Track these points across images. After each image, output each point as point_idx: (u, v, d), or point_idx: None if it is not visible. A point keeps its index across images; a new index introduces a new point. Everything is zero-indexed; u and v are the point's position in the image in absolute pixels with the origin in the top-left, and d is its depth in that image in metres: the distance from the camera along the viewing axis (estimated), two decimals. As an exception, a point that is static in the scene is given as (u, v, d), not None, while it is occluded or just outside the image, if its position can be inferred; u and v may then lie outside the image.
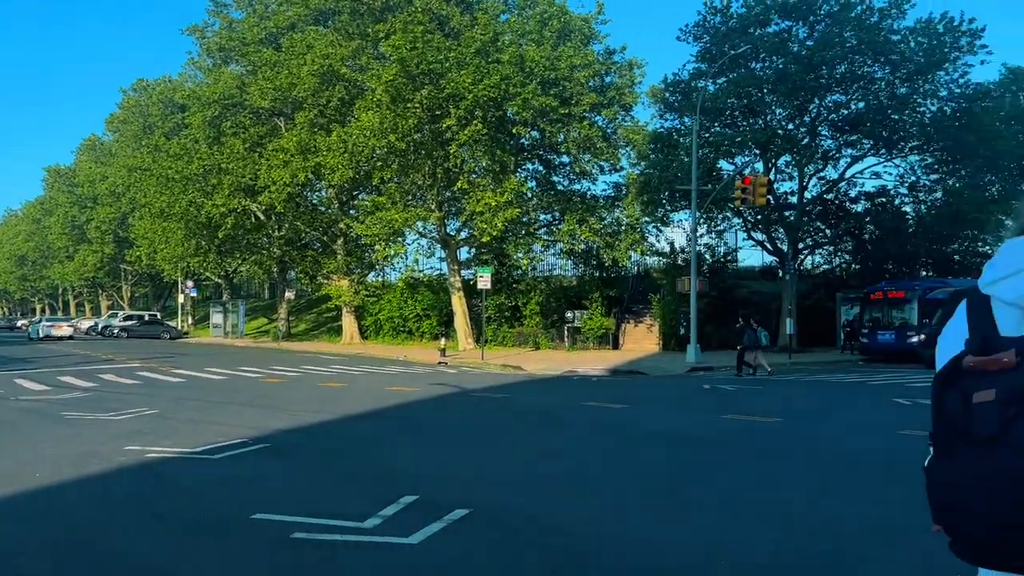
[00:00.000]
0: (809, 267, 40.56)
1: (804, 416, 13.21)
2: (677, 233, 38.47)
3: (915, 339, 25.76)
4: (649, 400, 16.11)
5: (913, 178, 36.15)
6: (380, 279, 47.80)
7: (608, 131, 34.95)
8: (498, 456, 9.37)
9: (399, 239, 36.48)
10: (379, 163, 33.69)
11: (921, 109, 32.62)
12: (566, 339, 35.50)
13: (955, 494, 1.72)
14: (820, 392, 17.77)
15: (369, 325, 43.03)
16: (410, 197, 35.84)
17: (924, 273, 36.97)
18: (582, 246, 36.54)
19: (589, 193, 37.19)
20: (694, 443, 10.30)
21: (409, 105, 30.83)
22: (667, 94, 35.40)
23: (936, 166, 35.39)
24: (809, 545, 5.61)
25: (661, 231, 37.51)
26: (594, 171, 36.32)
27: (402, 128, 31.03)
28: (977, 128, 31.62)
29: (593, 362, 26.66)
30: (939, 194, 35.97)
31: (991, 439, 1.66)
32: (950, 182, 35.30)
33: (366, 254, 42.82)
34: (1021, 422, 1.63)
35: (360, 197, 42.21)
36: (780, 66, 32.03)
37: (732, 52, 31.00)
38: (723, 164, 34.16)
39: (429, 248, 39.26)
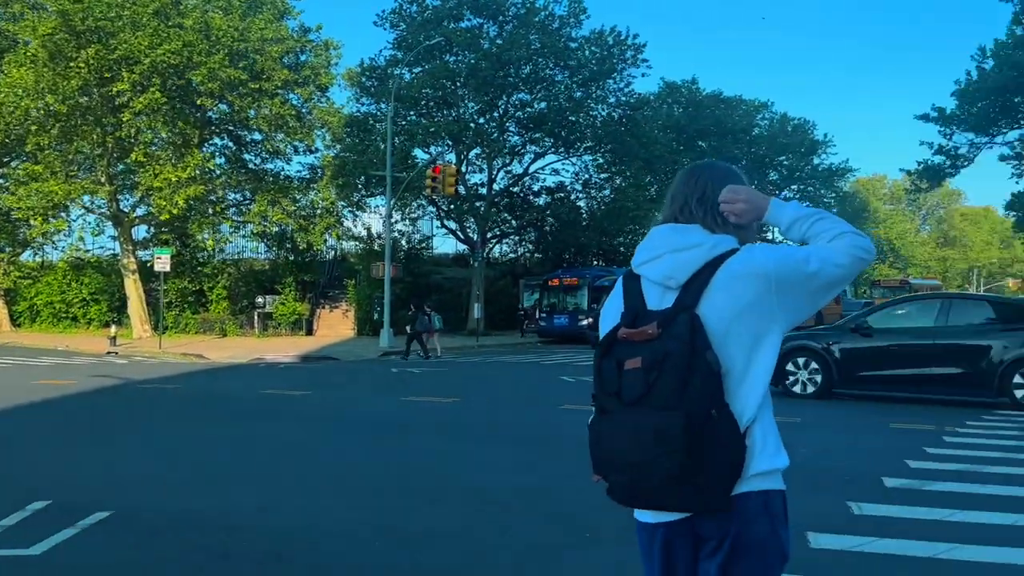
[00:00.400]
0: (497, 255, 42.87)
1: (480, 396, 13.87)
2: (374, 218, 38.49)
3: (584, 322, 28.30)
4: (334, 385, 15.93)
5: (587, 176, 39.67)
6: (38, 259, 42.10)
7: (303, 111, 33.97)
8: (153, 452, 8.63)
9: (61, 214, 32.35)
10: (35, 127, 29.56)
11: (594, 113, 35.80)
12: (256, 325, 34.02)
13: (608, 447, 1.97)
14: (499, 372, 18.81)
15: (23, 311, 37.73)
16: (75, 167, 31.90)
17: (595, 263, 40.73)
18: (275, 228, 35.16)
19: (283, 173, 35.88)
20: (371, 426, 10.33)
21: (72, 64, 27.40)
22: (363, 78, 35.26)
23: (606, 166, 39.13)
24: (463, 516, 5.82)
25: (357, 216, 37.42)
26: (288, 151, 35.14)
27: (63, 89, 27.49)
28: (639, 134, 35.48)
29: (284, 349, 25.84)
30: (608, 192, 39.85)
31: (637, 400, 1.91)
32: (617, 181, 39.24)
33: (19, 230, 37.35)
34: (660, 385, 1.89)
35: (12, 164, 36.76)
36: (472, 61, 33.26)
37: (427, 43, 31.61)
38: (418, 152, 34.87)
39: (98, 225, 35.26)
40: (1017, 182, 36.10)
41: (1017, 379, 11.79)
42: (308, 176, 36.21)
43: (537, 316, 32.47)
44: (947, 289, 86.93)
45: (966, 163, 35.88)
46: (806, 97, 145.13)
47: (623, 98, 36.06)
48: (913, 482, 6.87)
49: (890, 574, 4.54)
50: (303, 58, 33.48)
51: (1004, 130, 35.16)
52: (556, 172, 38.98)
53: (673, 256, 2.05)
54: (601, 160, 38.74)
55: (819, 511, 5.91)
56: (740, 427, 1.93)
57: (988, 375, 11.89)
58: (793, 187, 56.97)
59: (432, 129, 33.09)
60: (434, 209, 36.92)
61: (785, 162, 54.22)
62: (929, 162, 36.33)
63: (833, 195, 62.20)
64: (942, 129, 35.18)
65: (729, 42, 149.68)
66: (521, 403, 12.77)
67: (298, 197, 35.04)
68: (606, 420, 2.00)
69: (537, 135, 35.94)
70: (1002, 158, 38.48)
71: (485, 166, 36.99)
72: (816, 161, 55.71)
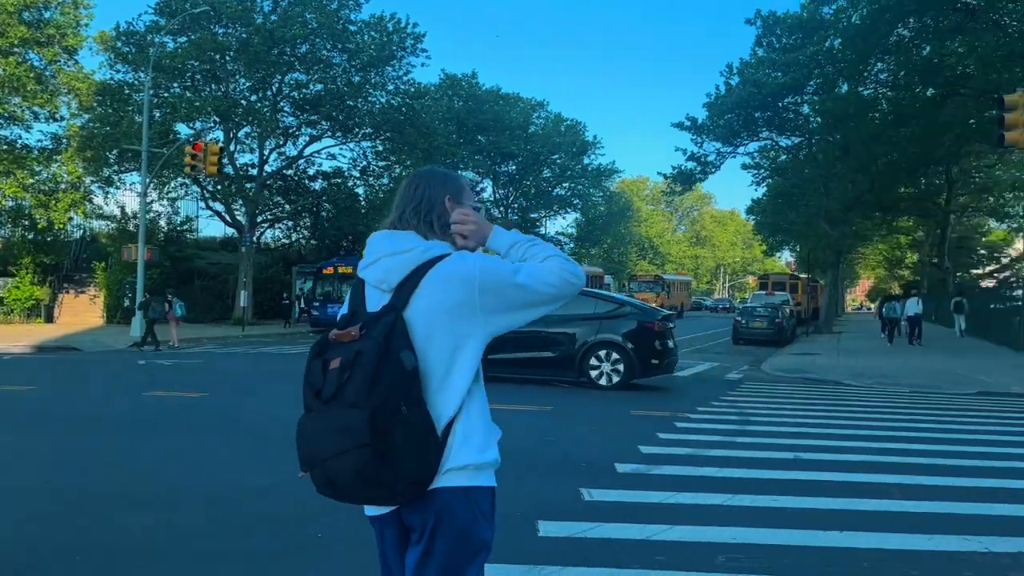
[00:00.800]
0: (270, 241, 41.09)
1: (232, 390, 13.13)
2: (129, 196, 35.43)
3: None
4: (69, 379, 14.42)
5: (365, 163, 39.04)
6: None
7: (46, 73, 30.55)
8: None
9: None
10: None
11: (372, 99, 35.27)
12: (-16, 311, 30.22)
13: (307, 444, 2.05)
14: (259, 364, 17.96)
15: None
16: None
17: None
18: (8, 203, 31.35)
19: (20, 142, 32.04)
20: (100, 424, 9.37)
21: None
22: (119, 43, 32.21)
23: (385, 154, 38.72)
24: (187, 521, 5.39)
25: (109, 193, 34.25)
26: (27, 117, 31.44)
27: None
28: (418, 123, 35.44)
29: (15, 338, 23.08)
30: (386, 180, 39.47)
31: (332, 397, 1.99)
32: (397, 170, 38.96)
33: None
34: (352, 383, 1.96)
35: None
36: (244, 35, 31.54)
37: (192, 10, 29.48)
38: (181, 128, 32.53)
39: None
40: (756, 189, 40.23)
41: (592, 362, 13.53)
42: (51, 146, 32.61)
43: (304, 304, 31.52)
44: (697, 284, 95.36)
45: (714, 170, 39.44)
46: (578, 100, 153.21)
47: (402, 86, 35.84)
48: (642, 467, 7.31)
49: (605, 557, 4.73)
50: (47, 15, 30.15)
51: (745, 141, 39.07)
52: (333, 157, 38.49)
53: (387, 260, 2.16)
54: (380, 147, 38.29)
55: (552, 499, 6.10)
56: (439, 424, 2.04)
57: (572, 358, 13.55)
58: (565, 184, 59.75)
59: (197, 104, 30.96)
60: (198, 189, 34.65)
61: (558, 160, 56.72)
62: (683, 167, 39.50)
63: (601, 194, 65.98)
64: (694, 137, 38.41)
65: (507, 41, 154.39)
66: (274, 397, 12.19)
67: (38, 169, 31.55)
68: (307, 418, 2.07)
69: (313, 117, 34.86)
70: (744, 167, 42.86)
71: (256, 146, 35.28)
72: (586, 161, 58.79)
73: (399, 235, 2.22)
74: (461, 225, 2.23)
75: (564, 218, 68.26)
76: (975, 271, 54.80)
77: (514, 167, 55.32)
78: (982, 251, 57.39)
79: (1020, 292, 26.35)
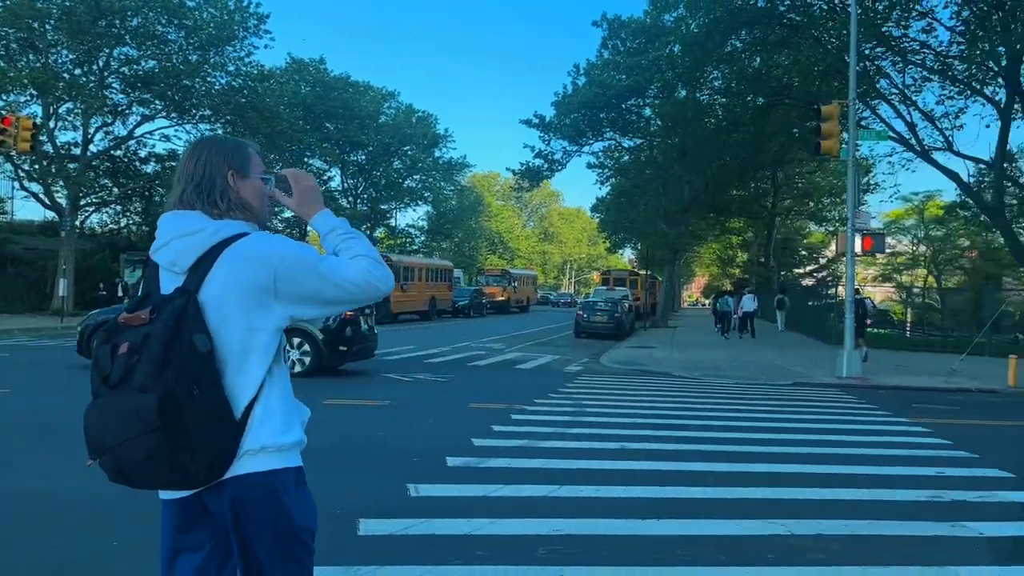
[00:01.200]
0: (96, 225, 38.24)
1: (38, 386, 12.01)
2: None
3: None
4: None
5: (196, 145, 37.07)
6: None
7: None
8: None
9: None
10: None
11: (211, 79, 33.49)
12: None
13: (94, 431, 1.99)
14: (73, 358, 16.58)
15: None
16: None
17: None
18: None
19: None
20: None
21: None
22: (-82, 2, 28.90)
23: (225, 137, 36.92)
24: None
25: (-97, 168, 30.67)
26: None
27: None
28: (261, 107, 34.05)
29: None
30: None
31: (119, 383, 1.94)
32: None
33: None
34: (140, 367, 1.91)
35: None
36: (67, 4, 29.08)
37: (5, -28, 26.87)
38: (-8, 100, 29.59)
39: None
40: (600, 188, 41.39)
41: None
42: None
43: (122, 293, 29.51)
44: (545, 279, 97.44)
45: (560, 167, 40.31)
46: (430, 92, 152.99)
47: (244, 68, 34.26)
48: (472, 460, 7.26)
49: (425, 555, 4.62)
50: None
51: (591, 141, 40.14)
52: (167, 139, 35.78)
53: (177, 242, 2.08)
54: (220, 130, 36.39)
55: (378, 495, 5.93)
56: (237, 406, 2.00)
57: None
58: (416, 176, 59.31)
59: (11, 74, 28.26)
60: (12, 168, 31.68)
61: (409, 152, 56.20)
62: (531, 164, 40.12)
63: (452, 187, 66.01)
64: (542, 135, 39.09)
65: (355, 28, 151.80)
66: (84, 394, 11.29)
67: None
68: (94, 405, 2.02)
69: (146, 96, 32.67)
70: (589, 166, 44.05)
71: (80, 124, 32.67)
72: (437, 154, 58.56)
73: (187, 216, 2.12)
74: (298, 181, 2.27)
75: (415, 210, 67.75)
76: (797, 270, 58.92)
77: (364, 157, 54.25)
78: (803, 252, 61.81)
79: (834, 291, 28.56)
